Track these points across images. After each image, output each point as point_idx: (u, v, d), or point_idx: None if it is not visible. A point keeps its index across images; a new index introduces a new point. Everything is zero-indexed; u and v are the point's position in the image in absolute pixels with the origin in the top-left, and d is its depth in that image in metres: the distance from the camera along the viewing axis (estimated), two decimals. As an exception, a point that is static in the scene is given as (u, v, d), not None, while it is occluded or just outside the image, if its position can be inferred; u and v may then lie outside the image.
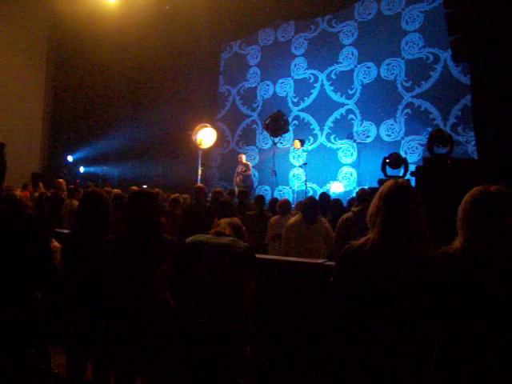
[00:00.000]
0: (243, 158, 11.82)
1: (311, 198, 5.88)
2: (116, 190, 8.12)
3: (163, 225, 3.31)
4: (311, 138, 12.78)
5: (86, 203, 3.47)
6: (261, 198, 7.00)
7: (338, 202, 6.89)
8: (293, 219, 5.59)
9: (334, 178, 12.04)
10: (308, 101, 13.13)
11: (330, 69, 12.78)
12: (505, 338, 1.91)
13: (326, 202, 7.06)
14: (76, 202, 6.84)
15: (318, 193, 11.51)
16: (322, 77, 12.94)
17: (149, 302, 2.86)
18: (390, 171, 6.28)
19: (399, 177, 6.01)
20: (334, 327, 2.23)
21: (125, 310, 2.95)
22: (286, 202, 6.43)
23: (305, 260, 4.18)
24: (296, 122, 13.19)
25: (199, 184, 8.61)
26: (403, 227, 2.08)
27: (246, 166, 11.63)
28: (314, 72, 13.10)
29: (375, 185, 6.68)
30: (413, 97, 11.34)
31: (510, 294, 1.90)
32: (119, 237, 3.07)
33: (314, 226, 5.30)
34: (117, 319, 3.01)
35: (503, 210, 1.97)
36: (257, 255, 3.06)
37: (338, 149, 12.38)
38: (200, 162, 11.37)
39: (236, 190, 10.28)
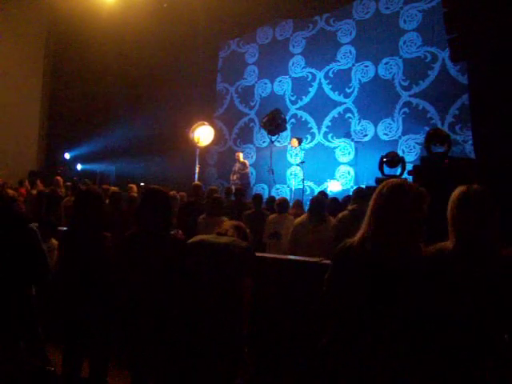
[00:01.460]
0: (241, 156, 11.81)
1: (318, 197, 5.83)
2: (113, 188, 8.12)
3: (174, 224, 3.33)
4: (309, 137, 12.77)
5: (80, 201, 3.47)
6: (259, 197, 6.99)
7: (335, 200, 6.90)
8: (299, 219, 5.48)
9: (332, 177, 12.04)
10: (306, 99, 13.11)
11: (328, 67, 12.76)
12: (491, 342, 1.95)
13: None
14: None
15: (316, 191, 11.53)
16: (319, 75, 12.92)
17: (153, 301, 2.87)
18: (387, 170, 6.29)
19: (396, 176, 6.03)
20: (329, 324, 2.24)
21: (134, 308, 2.97)
22: (285, 201, 6.42)
23: (302, 258, 4.19)
24: (293, 120, 13.17)
25: (196, 182, 8.60)
26: (397, 224, 2.09)
27: (244, 164, 11.62)
28: (312, 70, 13.08)
29: (372, 183, 6.69)
30: (410, 96, 11.34)
31: (492, 294, 1.95)
32: (133, 234, 3.08)
33: (323, 225, 5.21)
34: (120, 317, 3.02)
35: (487, 209, 2.05)
36: (255, 254, 3.06)
37: (335, 147, 12.39)
38: (197, 160, 11.36)
39: (233, 188, 10.29)
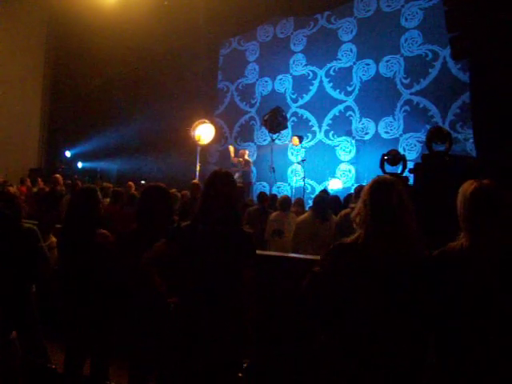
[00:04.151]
0: (246, 154, 11.79)
1: (322, 195, 5.85)
2: (109, 185, 8.15)
3: (175, 221, 3.31)
4: (309, 135, 12.77)
5: (76, 198, 3.48)
6: (264, 195, 7.05)
7: (335, 199, 6.89)
8: (303, 216, 5.53)
9: (333, 175, 12.03)
10: (306, 97, 13.11)
11: (329, 65, 12.76)
12: (505, 338, 1.92)
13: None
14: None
15: (317, 189, 11.52)
16: (320, 73, 12.91)
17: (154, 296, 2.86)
18: (388, 168, 6.26)
19: (397, 174, 6.00)
20: (313, 322, 2.22)
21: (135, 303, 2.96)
22: (287, 199, 6.45)
23: (303, 256, 4.19)
24: (294, 118, 13.17)
25: (195, 181, 8.58)
26: (390, 223, 2.08)
27: (247, 161, 11.53)
28: (313, 68, 13.07)
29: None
30: (412, 94, 11.33)
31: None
32: (132, 231, 3.08)
33: (326, 223, 5.26)
34: (121, 314, 3.01)
35: (502, 204, 1.97)
36: (257, 251, 3.02)
37: (336, 145, 12.38)
38: (198, 158, 11.34)
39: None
